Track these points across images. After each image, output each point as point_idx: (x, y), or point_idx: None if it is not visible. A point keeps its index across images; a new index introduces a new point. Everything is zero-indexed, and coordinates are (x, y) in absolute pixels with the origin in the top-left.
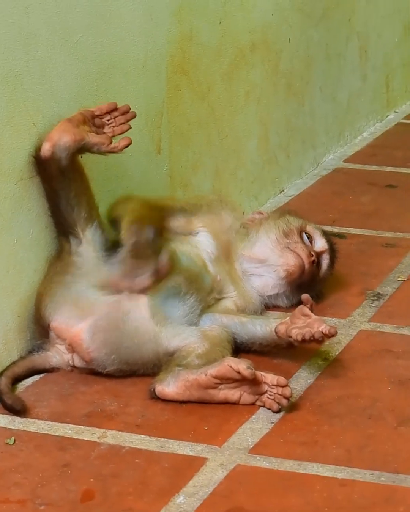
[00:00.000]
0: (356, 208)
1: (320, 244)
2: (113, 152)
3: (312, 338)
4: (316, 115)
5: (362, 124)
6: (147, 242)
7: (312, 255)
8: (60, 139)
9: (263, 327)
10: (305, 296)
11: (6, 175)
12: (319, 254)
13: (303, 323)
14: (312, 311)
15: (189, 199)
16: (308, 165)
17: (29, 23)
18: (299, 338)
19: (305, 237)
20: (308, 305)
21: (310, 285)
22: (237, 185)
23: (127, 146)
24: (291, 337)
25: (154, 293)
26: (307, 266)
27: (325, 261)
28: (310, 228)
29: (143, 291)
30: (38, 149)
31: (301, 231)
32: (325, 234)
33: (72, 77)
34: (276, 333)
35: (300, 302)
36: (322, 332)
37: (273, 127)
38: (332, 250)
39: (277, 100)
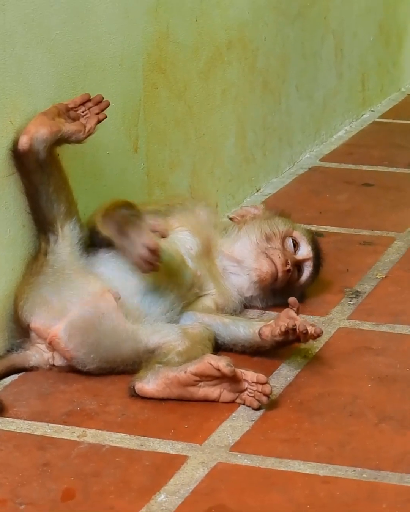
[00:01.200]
0: (333, 206)
1: (305, 251)
2: (90, 134)
3: (294, 329)
4: (292, 113)
5: (338, 122)
6: (124, 217)
7: (288, 264)
8: (37, 132)
9: (246, 329)
10: (292, 299)
11: None
12: (300, 262)
13: (290, 324)
14: (297, 314)
15: (161, 200)
16: (285, 163)
17: (5, 21)
18: (283, 328)
19: (289, 242)
20: (295, 308)
21: (286, 290)
22: (214, 183)
23: (99, 122)
24: (275, 336)
25: (131, 290)
26: (280, 274)
27: (308, 268)
28: (297, 233)
29: (155, 252)
30: (15, 143)
31: (286, 236)
32: (313, 241)
33: (49, 75)
34: (259, 335)
35: (276, 305)
36: (307, 329)
37: (250, 126)
38: (317, 258)
39: (253, 99)
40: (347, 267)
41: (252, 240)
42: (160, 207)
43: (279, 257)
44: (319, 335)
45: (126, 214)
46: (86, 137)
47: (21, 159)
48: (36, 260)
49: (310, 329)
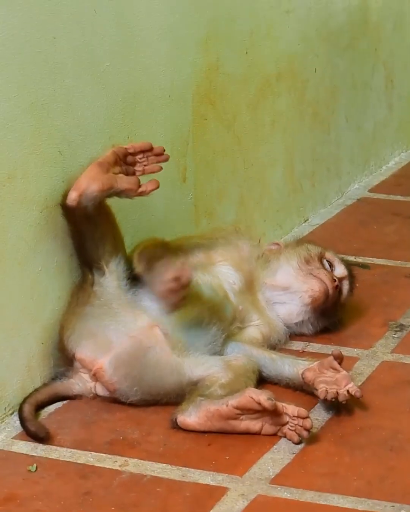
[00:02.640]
0: (380, 238)
1: (340, 270)
2: (141, 196)
3: (335, 399)
4: (341, 144)
5: (387, 153)
6: (157, 255)
7: (335, 280)
8: (88, 188)
9: (290, 368)
10: (336, 351)
11: (31, 202)
12: (340, 280)
13: (331, 377)
14: (340, 365)
15: (205, 234)
16: (333, 194)
17: (56, 52)
18: (322, 396)
19: (326, 263)
20: (338, 360)
21: (332, 310)
22: (262, 214)
23: (154, 189)
24: (316, 389)
25: (175, 324)
26: (331, 291)
27: (346, 287)
28: (329, 255)
29: (177, 290)
30: (64, 196)
31: (321, 257)
32: (344, 260)
33: (98, 106)
34: (302, 378)
35: (323, 330)
36: (348, 392)
37: (298, 156)
38: (351, 276)
39: (302, 129)
40: (392, 300)
41: (293, 266)
42: (203, 240)
43: (326, 275)
44: (357, 397)
45: (158, 252)
46: (137, 196)
47: (68, 211)
48: (83, 290)
49: (351, 390)
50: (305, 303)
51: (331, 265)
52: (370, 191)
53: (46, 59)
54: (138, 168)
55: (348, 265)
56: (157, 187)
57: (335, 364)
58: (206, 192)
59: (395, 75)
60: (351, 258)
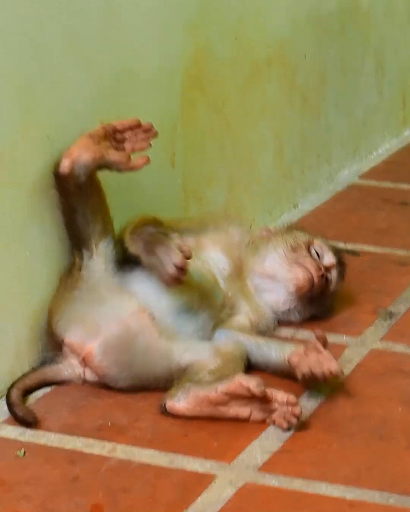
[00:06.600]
0: (370, 225)
1: (328, 258)
2: (131, 170)
3: (312, 379)
4: (332, 130)
5: (378, 140)
6: (152, 235)
7: (321, 269)
8: (80, 156)
9: (277, 353)
10: (318, 332)
11: (19, 186)
12: (327, 269)
13: (315, 359)
14: (325, 347)
15: (195, 218)
16: (323, 180)
17: (43, 35)
18: (300, 376)
19: (313, 251)
20: (321, 340)
21: (320, 299)
22: (251, 199)
23: (145, 164)
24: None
25: (164, 309)
26: (316, 279)
27: (334, 275)
28: (317, 242)
29: (183, 272)
30: (56, 164)
31: (309, 245)
32: (333, 248)
33: (85, 89)
34: (289, 363)
35: (312, 317)
36: (329, 371)
37: (288, 142)
38: (341, 264)
39: (292, 115)
40: (381, 287)
41: (280, 254)
42: (193, 225)
43: (311, 263)
44: (337, 376)
45: (153, 232)
46: (127, 170)
47: (60, 180)
48: (71, 274)
49: (333, 369)
50: (290, 292)
51: (319, 253)
52: (360, 177)
53: (32, 42)
54: (127, 145)
55: (338, 252)
56: (148, 162)
57: (319, 345)
58: (195, 177)
59: (385, 61)
60: (341, 245)
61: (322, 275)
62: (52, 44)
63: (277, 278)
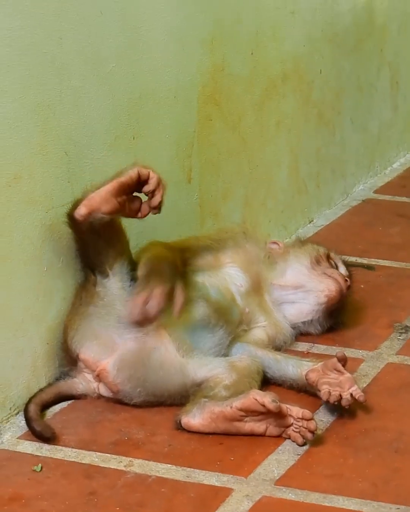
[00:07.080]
0: (385, 239)
1: (343, 269)
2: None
3: (338, 402)
4: (346, 145)
5: (393, 155)
6: (158, 272)
7: (347, 280)
8: (99, 208)
9: (294, 369)
10: (340, 353)
11: (37, 203)
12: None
13: (335, 379)
14: (344, 367)
15: (213, 235)
16: (338, 195)
17: (62, 53)
18: (325, 397)
19: (333, 263)
20: (342, 362)
21: (340, 310)
22: (267, 214)
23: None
24: (319, 391)
25: (181, 326)
26: (344, 291)
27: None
28: (332, 255)
29: (153, 319)
30: (74, 206)
31: (328, 257)
32: (344, 261)
33: (104, 107)
34: (306, 379)
35: (331, 329)
36: (351, 396)
37: (303, 157)
38: (351, 276)
39: (307, 130)
40: (397, 301)
41: (306, 265)
42: (211, 242)
43: (339, 275)
44: (360, 402)
45: (162, 268)
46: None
47: (74, 221)
48: (86, 290)
49: (355, 394)
50: (319, 302)
51: (336, 265)
52: (375, 192)
53: (52, 60)
54: (144, 206)
55: (347, 265)
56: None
57: (339, 366)
58: (211, 193)
59: (400, 77)
60: (356, 259)
61: (349, 286)
62: (72, 62)
63: (304, 289)
